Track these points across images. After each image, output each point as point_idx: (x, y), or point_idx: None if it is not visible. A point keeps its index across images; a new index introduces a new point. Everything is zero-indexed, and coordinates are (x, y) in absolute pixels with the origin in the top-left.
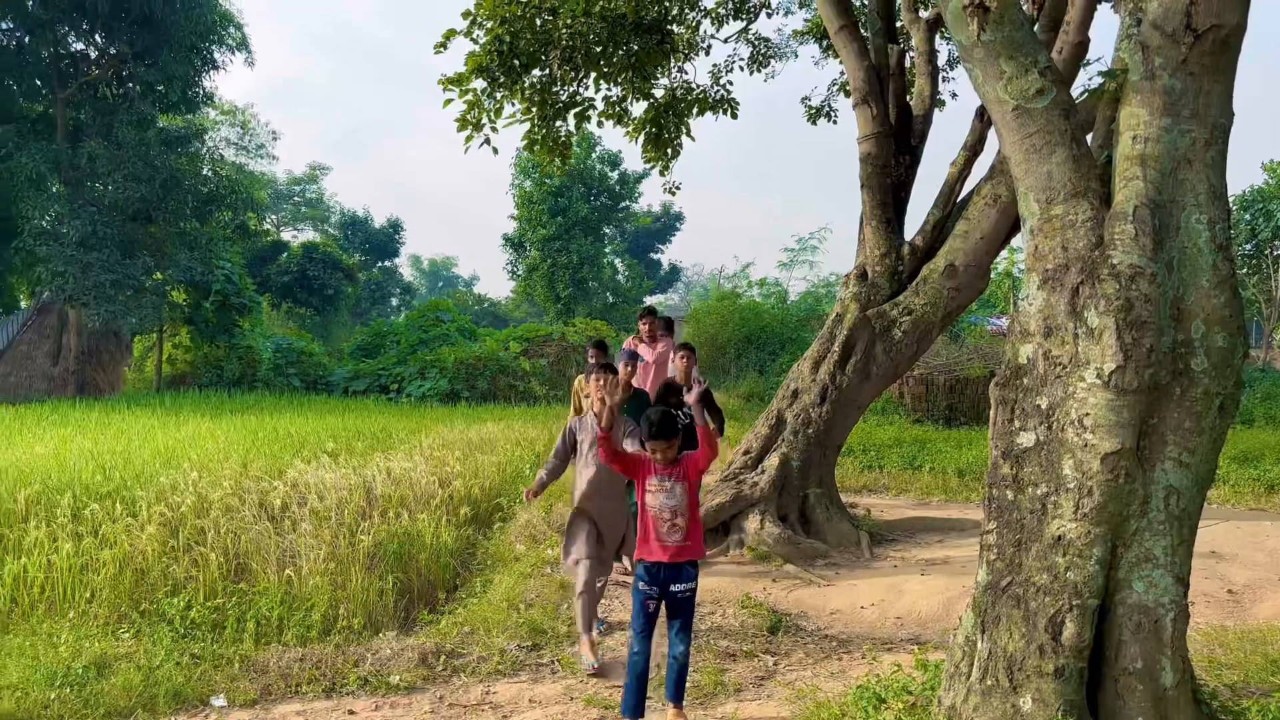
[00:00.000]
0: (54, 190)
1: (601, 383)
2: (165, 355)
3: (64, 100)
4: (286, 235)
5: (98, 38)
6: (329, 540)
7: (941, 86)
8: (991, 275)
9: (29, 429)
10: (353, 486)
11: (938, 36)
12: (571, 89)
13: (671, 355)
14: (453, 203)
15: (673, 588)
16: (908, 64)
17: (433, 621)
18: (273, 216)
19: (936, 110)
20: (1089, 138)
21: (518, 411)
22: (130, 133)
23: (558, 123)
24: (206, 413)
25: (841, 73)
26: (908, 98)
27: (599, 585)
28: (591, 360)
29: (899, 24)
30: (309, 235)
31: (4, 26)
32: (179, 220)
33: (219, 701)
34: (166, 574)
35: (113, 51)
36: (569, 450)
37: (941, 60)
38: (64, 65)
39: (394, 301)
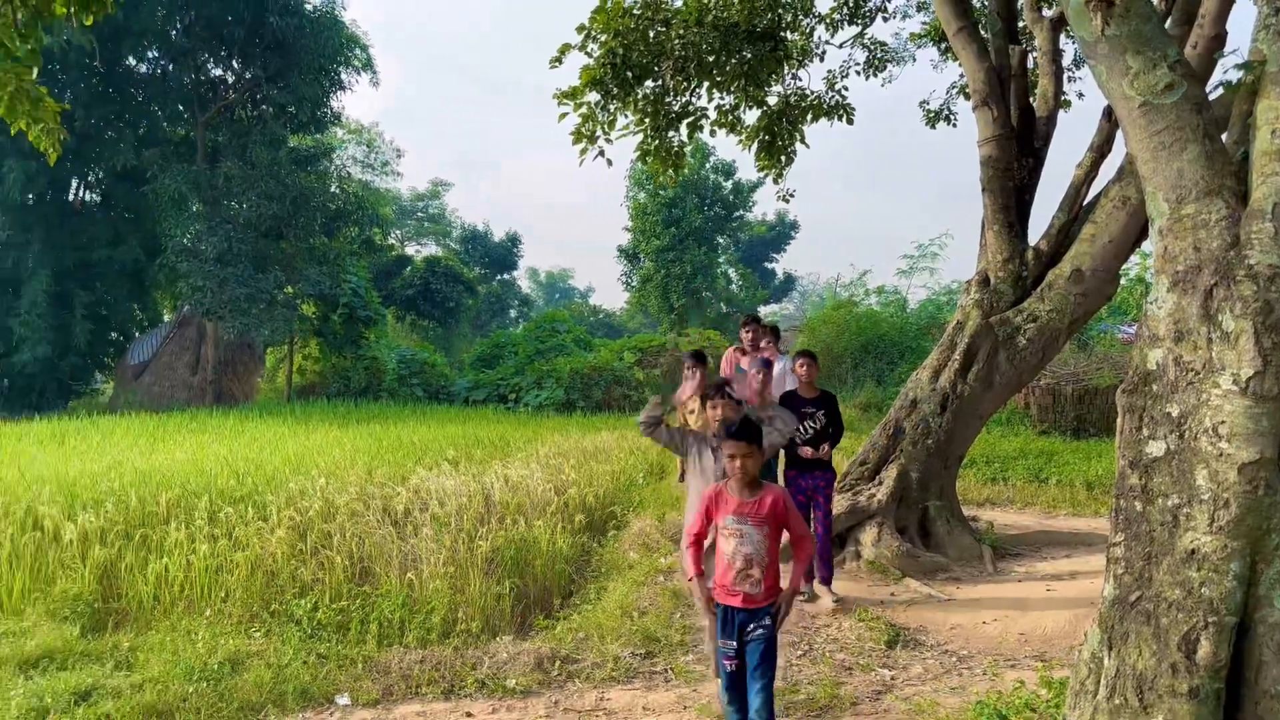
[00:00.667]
0: (194, 209)
1: (717, 406)
2: (295, 366)
3: (203, 124)
4: (410, 250)
5: (234, 63)
6: (449, 545)
7: (1067, 86)
8: (1122, 281)
9: (170, 436)
10: (472, 493)
11: (1062, 35)
12: (684, 99)
13: (788, 365)
14: (569, 216)
15: (748, 626)
16: (1030, 64)
17: (548, 627)
18: (397, 232)
19: (1062, 111)
20: (1224, 135)
21: (632, 421)
22: (263, 153)
23: (670, 133)
24: (334, 421)
25: (961, 75)
26: (1030, 99)
27: None
28: (688, 371)
29: (1021, 24)
30: (431, 250)
31: (150, 56)
32: (309, 236)
33: (343, 700)
34: (295, 576)
35: (248, 76)
36: (665, 431)
37: (1067, 60)
38: (203, 90)
39: (512, 313)
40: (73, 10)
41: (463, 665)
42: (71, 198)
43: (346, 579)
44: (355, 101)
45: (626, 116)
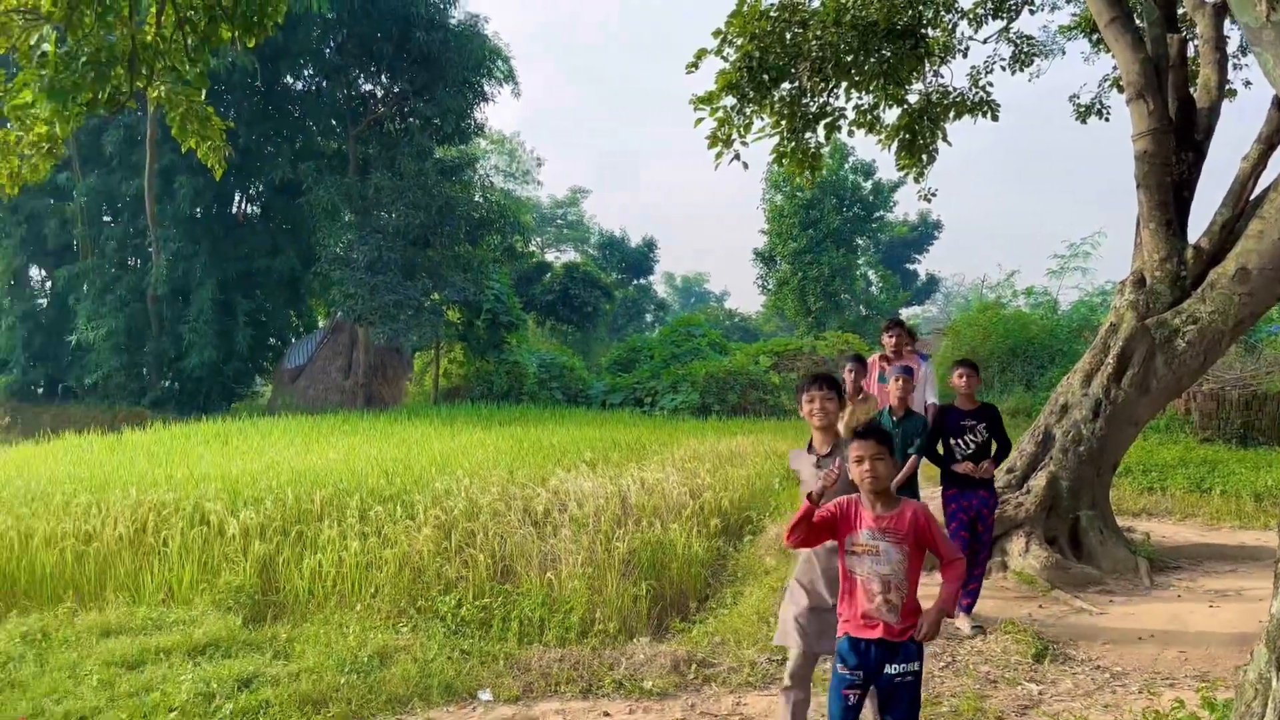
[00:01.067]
0: (346, 219)
1: (814, 399)
2: (441, 370)
3: (354, 137)
4: (549, 256)
5: (383, 78)
6: (587, 546)
7: (1232, 74)
8: None
9: (324, 437)
10: (609, 495)
11: (1226, 21)
12: (821, 100)
13: (929, 370)
14: (705, 220)
15: (887, 669)
16: (1191, 52)
17: (684, 630)
18: (537, 239)
19: (1226, 101)
20: None
21: (768, 425)
22: (411, 164)
23: (807, 134)
24: (477, 423)
25: (1114, 67)
26: (1190, 89)
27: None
28: (848, 375)
29: (1180, 10)
30: (570, 256)
31: (306, 74)
32: (453, 244)
33: (486, 696)
34: (440, 573)
35: (395, 90)
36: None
37: (1232, 46)
38: (354, 105)
39: (648, 317)
40: (237, 34)
41: (600, 665)
42: (234, 210)
43: (489, 577)
44: (497, 112)
45: (763, 119)
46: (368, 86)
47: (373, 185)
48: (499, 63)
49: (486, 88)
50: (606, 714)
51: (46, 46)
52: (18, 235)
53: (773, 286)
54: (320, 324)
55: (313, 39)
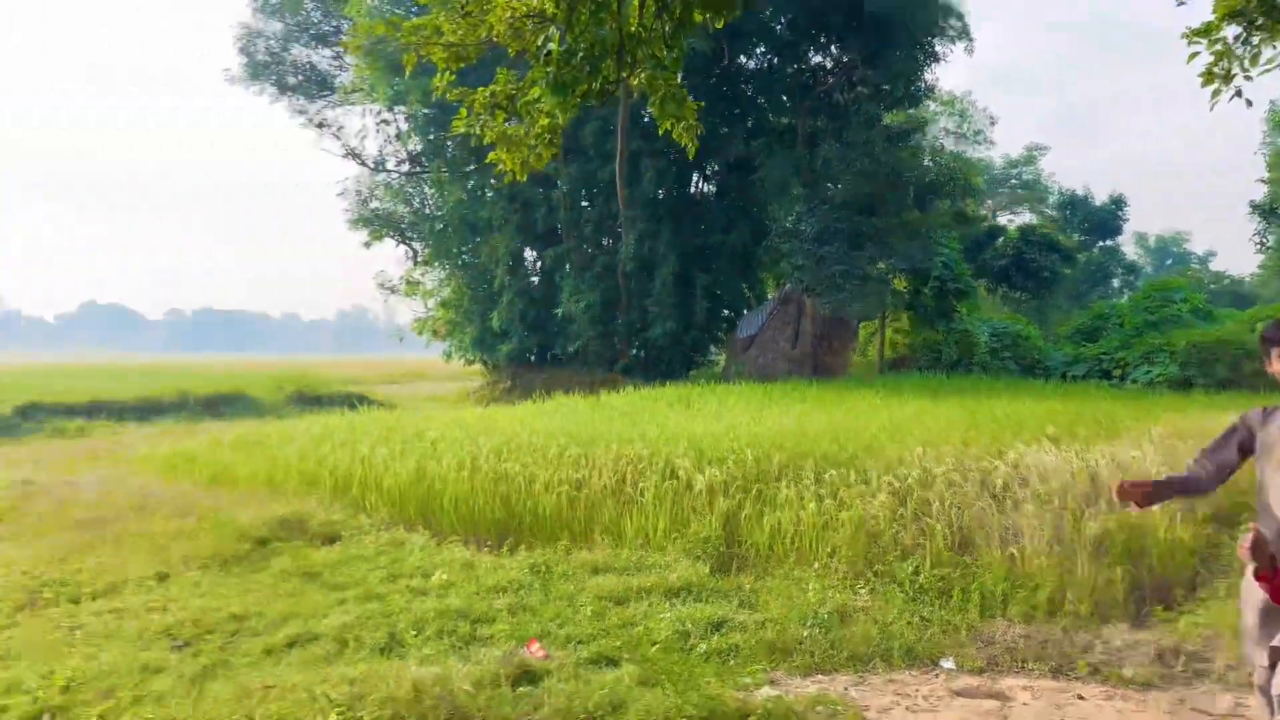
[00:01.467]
0: (795, 193)
1: None
2: (886, 339)
3: (804, 111)
4: (1003, 219)
5: (833, 49)
6: (1052, 523)
7: None
8: None
9: (775, 403)
10: (1075, 471)
11: None
12: None
13: None
14: (1184, 173)
15: None
16: None
17: (1168, 620)
18: (989, 202)
19: None
20: None
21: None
22: (858, 133)
23: None
24: (925, 393)
25: None
26: None
27: None
28: None
29: None
30: (1025, 218)
31: (759, 52)
32: (900, 211)
33: (949, 664)
34: (896, 539)
35: (844, 60)
36: (1235, 459)
37: None
38: (804, 79)
39: (1115, 282)
40: (708, 17)
41: (1072, 647)
42: (692, 190)
43: (946, 547)
44: (948, 71)
45: (1274, 47)
46: (817, 59)
47: (821, 157)
48: (952, 20)
49: (938, 47)
50: (1080, 697)
51: (551, 46)
52: (515, 221)
53: (1273, 243)
54: (769, 296)
55: (765, 16)
